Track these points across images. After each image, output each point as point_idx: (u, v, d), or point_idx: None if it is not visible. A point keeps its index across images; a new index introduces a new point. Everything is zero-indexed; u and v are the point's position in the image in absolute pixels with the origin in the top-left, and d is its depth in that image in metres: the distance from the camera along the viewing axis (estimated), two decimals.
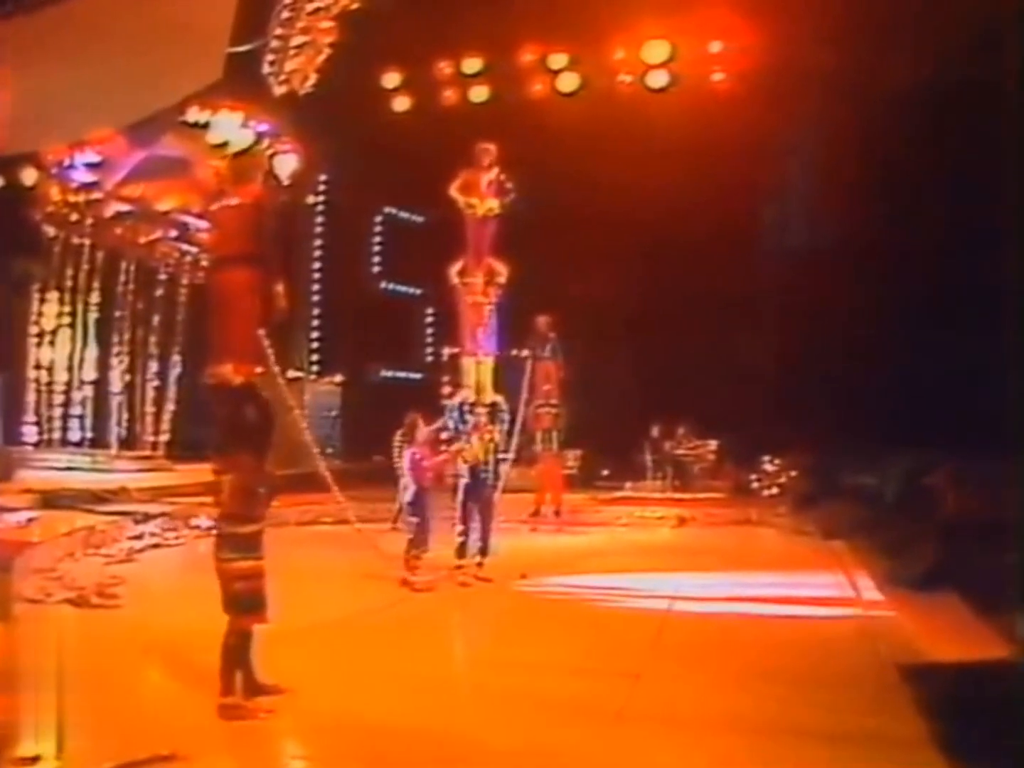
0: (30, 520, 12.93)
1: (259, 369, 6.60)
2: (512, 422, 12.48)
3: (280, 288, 6.86)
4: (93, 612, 9.39)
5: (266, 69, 19.34)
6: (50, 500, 14.36)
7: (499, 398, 12.10)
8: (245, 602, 6.56)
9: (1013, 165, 9.30)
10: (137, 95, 12.44)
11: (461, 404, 11.89)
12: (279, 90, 19.77)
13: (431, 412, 12.28)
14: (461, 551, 11.47)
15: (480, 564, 11.50)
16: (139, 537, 13.21)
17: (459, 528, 11.54)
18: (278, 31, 19.21)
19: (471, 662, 7.94)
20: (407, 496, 11.61)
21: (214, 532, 7.01)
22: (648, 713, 6.51)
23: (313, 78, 19.93)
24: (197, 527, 14.01)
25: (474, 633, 9.37)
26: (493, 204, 12.41)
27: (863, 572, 10.90)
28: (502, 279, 12.35)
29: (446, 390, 17.82)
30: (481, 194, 12.39)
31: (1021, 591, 6.84)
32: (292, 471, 19.40)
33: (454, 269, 12.33)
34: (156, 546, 13.20)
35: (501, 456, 12.25)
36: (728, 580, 11.21)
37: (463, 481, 11.68)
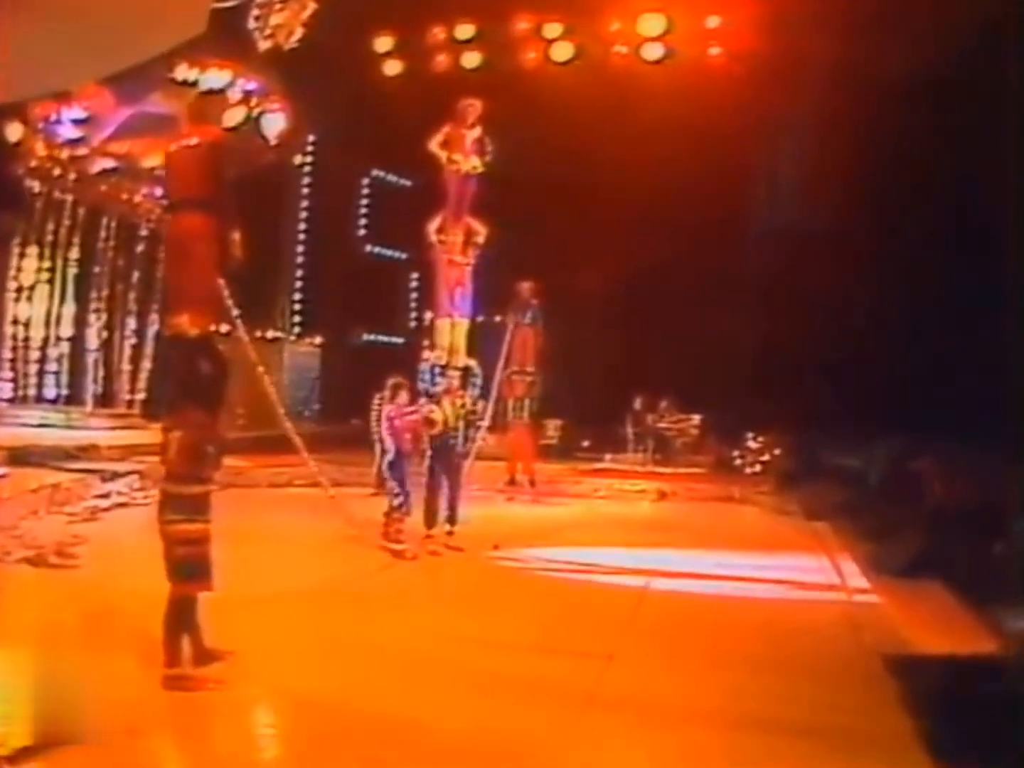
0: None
1: (223, 327, 6.35)
2: (485, 387, 12.16)
3: (236, 236, 6.59)
4: (50, 571, 9.11)
5: (251, 24, 19.04)
6: (19, 457, 14.13)
7: (472, 362, 11.80)
8: (189, 568, 6.24)
9: (1012, 153, 9.12)
10: (118, 47, 12.13)
11: (433, 366, 11.58)
12: (264, 45, 19.45)
13: (412, 377, 12.00)
14: (429, 519, 11.15)
15: (450, 533, 11.24)
16: (106, 496, 12.92)
17: (425, 495, 11.24)
18: None
19: (434, 636, 7.52)
20: (386, 460, 11.31)
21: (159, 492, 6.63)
22: (619, 699, 6.21)
23: (298, 33, 19.60)
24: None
25: (440, 606, 8.88)
26: (476, 162, 12.14)
27: (847, 556, 10.62)
28: (480, 239, 12.09)
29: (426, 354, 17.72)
30: (465, 151, 12.12)
31: (1015, 584, 6.64)
32: (266, 432, 19.36)
33: (432, 226, 12.03)
34: (123, 505, 12.86)
35: (476, 422, 12.04)
36: (709, 559, 10.90)
37: (430, 446, 11.35)
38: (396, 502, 10.89)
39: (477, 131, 12.19)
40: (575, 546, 11.65)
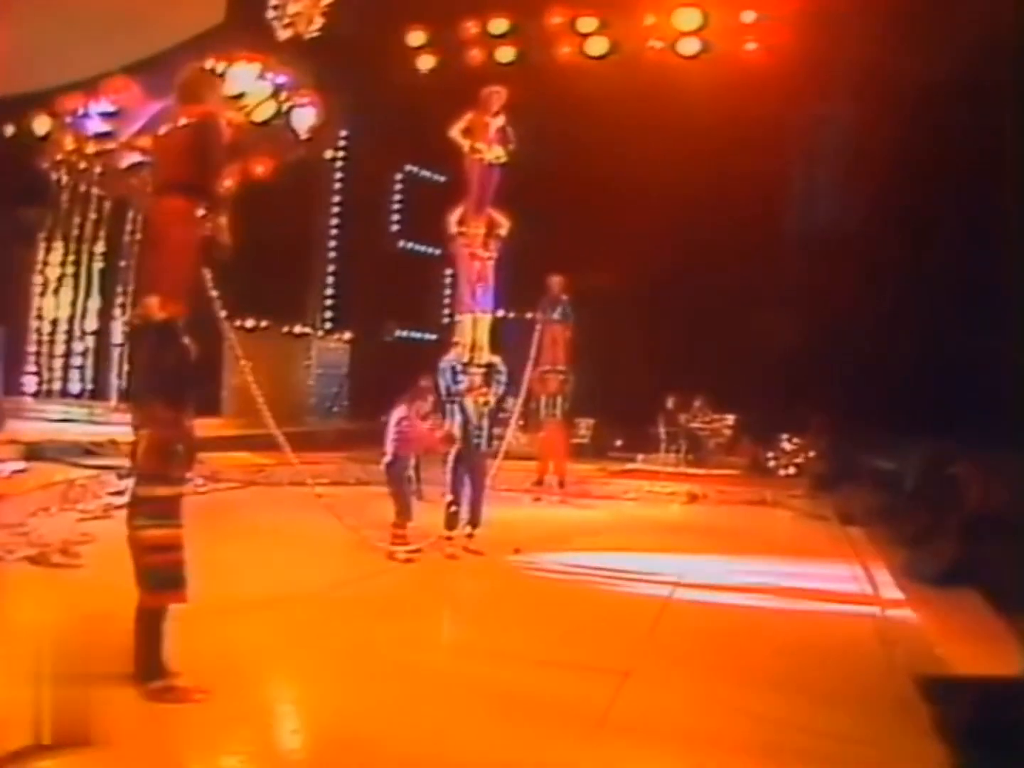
0: (17, 472, 12.63)
1: (214, 314, 6.08)
2: (509, 384, 11.82)
3: (223, 221, 6.20)
4: (51, 571, 8.85)
5: (270, 13, 18.90)
6: (36, 452, 14.04)
7: (496, 359, 11.43)
8: (158, 577, 5.85)
9: None
10: (135, 36, 12.05)
11: (454, 363, 11.24)
12: (284, 34, 19.32)
13: None
14: (451, 521, 10.81)
15: (470, 535, 10.88)
16: (121, 493, 12.57)
17: (448, 497, 10.92)
18: None
19: (442, 647, 7.28)
20: (384, 462, 11.01)
21: (129, 495, 6.27)
22: (632, 720, 5.82)
23: (318, 21, 19.43)
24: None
25: (452, 614, 8.68)
26: (500, 152, 11.74)
27: (881, 564, 10.20)
28: (503, 231, 11.67)
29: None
30: (488, 140, 11.71)
31: None
32: (289, 429, 19.19)
33: (453, 217, 11.67)
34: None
35: (505, 420, 11.74)
36: (737, 566, 10.52)
37: (454, 446, 11.04)
38: (397, 507, 10.66)
39: (501, 120, 11.77)
40: (599, 551, 11.26)
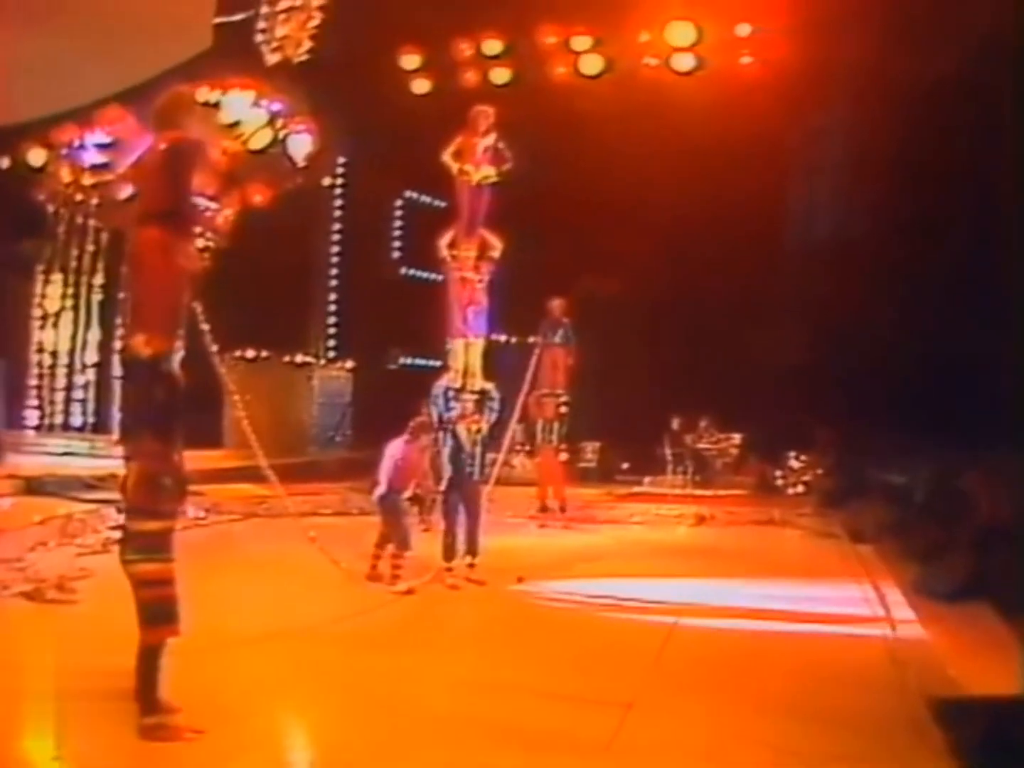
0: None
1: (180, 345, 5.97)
2: (502, 411, 11.62)
3: (192, 249, 6.15)
4: (46, 607, 8.74)
5: (258, 38, 18.84)
6: (35, 486, 13.96)
7: (489, 385, 11.23)
8: (151, 611, 5.79)
9: None
10: (121, 64, 11.96)
11: (446, 389, 11.04)
12: (272, 58, 19.25)
13: None
14: (448, 552, 10.60)
15: (471, 566, 10.68)
16: (120, 527, 12.52)
17: (444, 525, 10.79)
18: None
19: (441, 680, 7.04)
20: (376, 493, 10.88)
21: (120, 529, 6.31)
22: (634, 753, 5.66)
23: (306, 44, 19.36)
24: (184, 516, 13.50)
25: (452, 646, 8.38)
26: (489, 172, 11.57)
27: (892, 582, 9.97)
28: (495, 254, 11.50)
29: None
30: (476, 160, 11.56)
31: None
32: (291, 460, 19.08)
33: (443, 241, 11.52)
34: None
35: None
36: (743, 590, 10.33)
37: (446, 474, 10.87)
38: (382, 537, 10.59)
39: (491, 139, 11.62)
40: (603, 577, 11.07)
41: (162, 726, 5.62)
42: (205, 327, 6.15)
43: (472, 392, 10.98)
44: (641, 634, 8.64)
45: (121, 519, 11.87)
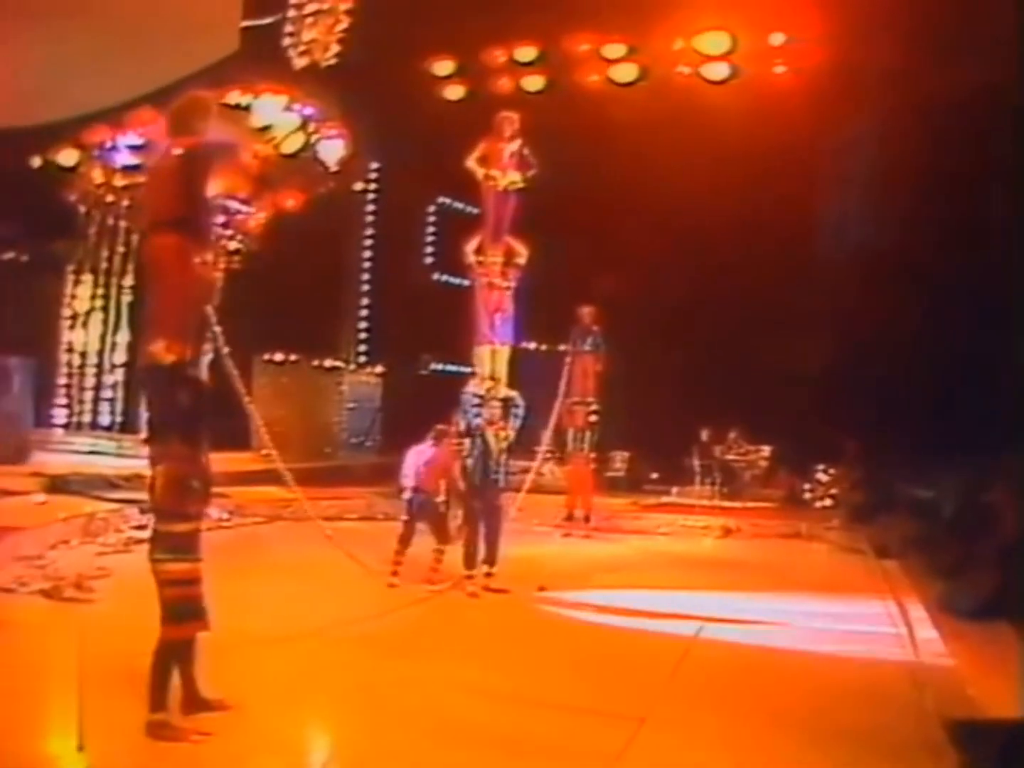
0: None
1: (207, 348, 6.00)
2: (526, 419, 11.50)
3: (210, 257, 6.13)
4: (63, 605, 8.77)
5: (285, 42, 18.91)
6: (59, 485, 14.01)
7: (514, 393, 11.15)
8: (178, 609, 5.88)
9: None
10: (149, 66, 12.03)
11: (474, 395, 10.97)
12: (300, 62, 19.29)
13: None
14: (469, 560, 10.53)
15: (489, 574, 10.59)
16: (142, 527, 12.50)
17: (466, 533, 10.72)
18: (294, 1, 18.74)
19: (452, 688, 6.99)
20: (404, 496, 10.94)
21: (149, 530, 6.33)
22: None
23: (334, 48, 19.40)
24: (208, 518, 13.52)
25: (465, 654, 8.27)
26: (515, 177, 11.52)
27: (916, 599, 9.82)
28: (522, 260, 11.44)
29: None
30: (502, 166, 11.51)
31: None
32: (319, 464, 19.09)
33: (470, 247, 11.47)
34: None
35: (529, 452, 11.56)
36: (765, 604, 10.24)
37: (472, 481, 10.77)
38: (438, 534, 10.66)
39: (516, 144, 11.59)
40: (625, 588, 10.98)
41: (167, 725, 5.68)
42: (217, 329, 6.12)
43: (498, 399, 10.92)
44: (660, 646, 8.57)
45: (144, 519, 12.11)
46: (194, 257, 5.93)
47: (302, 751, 5.90)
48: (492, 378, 11.06)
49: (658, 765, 5.71)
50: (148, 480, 6.11)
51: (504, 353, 11.26)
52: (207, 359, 6.12)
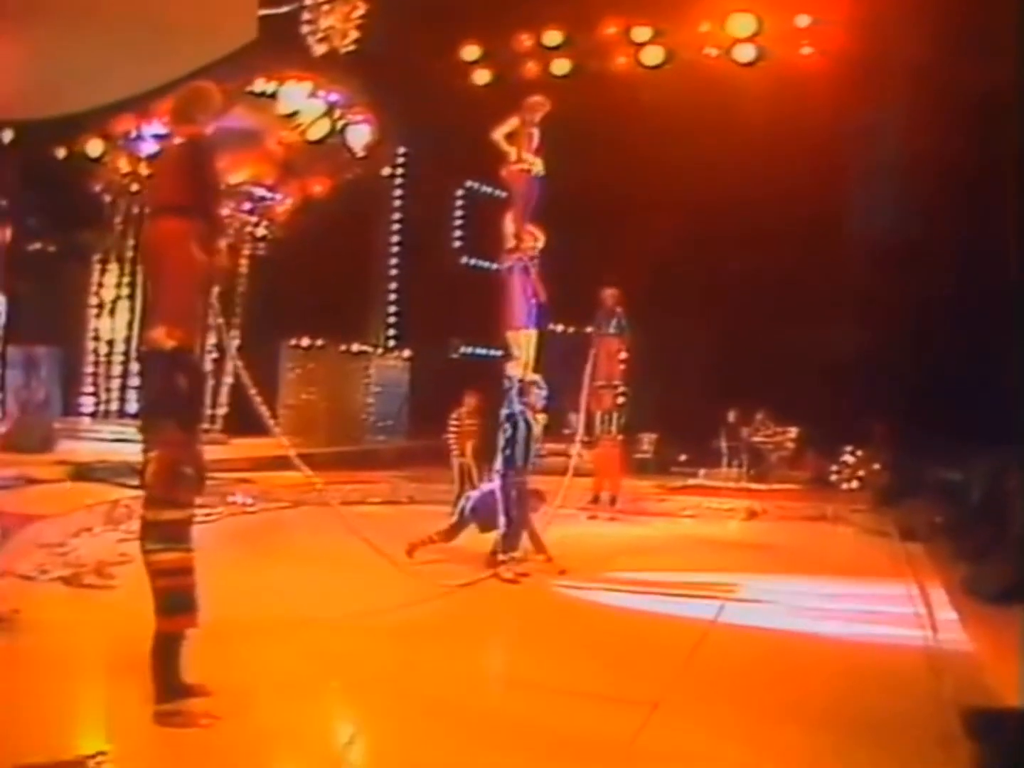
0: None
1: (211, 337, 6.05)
2: (549, 402, 11.45)
3: (222, 244, 6.23)
4: (82, 592, 8.85)
5: (304, 28, 18.95)
6: (83, 472, 14.08)
7: (537, 376, 11.14)
8: (169, 601, 5.82)
9: None
10: (169, 55, 12.08)
11: (519, 379, 10.92)
12: (319, 49, 19.33)
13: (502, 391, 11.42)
14: (511, 542, 10.54)
15: (515, 559, 10.52)
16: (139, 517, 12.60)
17: (503, 518, 10.59)
18: None
19: (466, 675, 6.98)
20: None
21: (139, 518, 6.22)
22: (656, 756, 5.55)
23: (352, 35, 19.43)
24: (233, 503, 13.60)
25: (482, 640, 8.35)
26: (540, 164, 11.56)
27: (939, 584, 9.72)
28: (540, 244, 11.45)
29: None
30: (533, 150, 11.53)
31: None
32: (346, 448, 19.16)
33: (510, 230, 11.38)
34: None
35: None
36: (787, 587, 10.13)
37: (514, 464, 10.67)
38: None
39: (537, 130, 11.60)
40: (647, 571, 10.93)
41: (177, 712, 5.66)
42: (219, 320, 6.17)
43: (530, 383, 10.91)
44: (677, 631, 8.49)
45: None
46: (195, 244, 5.94)
47: (319, 738, 5.85)
48: (528, 363, 11.05)
49: (669, 751, 5.63)
50: (140, 467, 6.06)
51: (535, 337, 11.25)
52: (234, 344, 6.15)
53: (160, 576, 5.83)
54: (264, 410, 7.27)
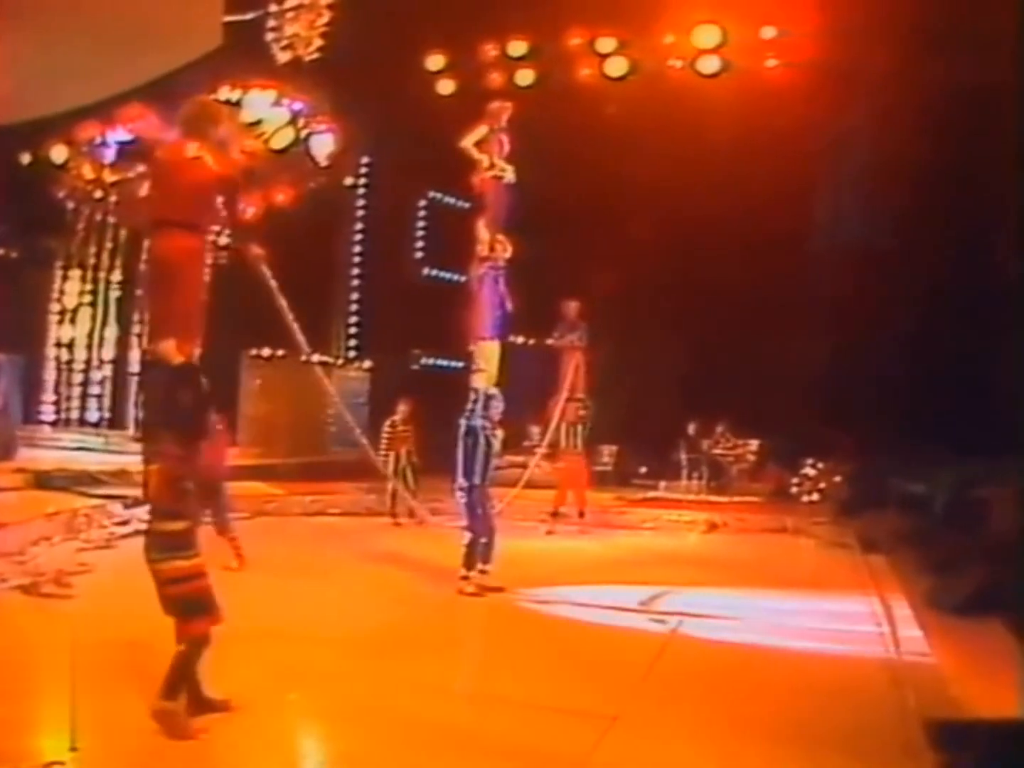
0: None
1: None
2: (506, 413, 11.30)
3: (259, 250, 6.61)
4: (40, 601, 8.73)
5: (268, 36, 18.90)
6: (44, 481, 13.94)
7: (495, 390, 10.91)
8: (185, 605, 5.82)
9: None
10: (135, 60, 12.00)
11: (486, 391, 10.71)
12: (283, 56, 19.26)
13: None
14: (469, 560, 10.34)
15: (484, 571, 10.37)
16: (125, 523, 12.44)
17: (469, 535, 10.40)
18: None
19: (424, 689, 6.91)
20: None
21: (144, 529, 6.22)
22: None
23: (316, 43, 19.39)
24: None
25: (440, 654, 8.10)
26: (511, 171, 11.44)
27: (901, 596, 9.72)
28: (508, 254, 11.33)
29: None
30: (504, 156, 11.41)
31: None
32: (306, 459, 19.04)
33: (484, 238, 11.20)
34: (143, 533, 12.29)
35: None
36: (746, 601, 10.15)
37: (473, 479, 10.47)
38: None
39: (507, 136, 11.49)
40: (605, 584, 10.92)
41: (177, 714, 5.67)
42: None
43: (490, 396, 10.75)
44: (636, 644, 8.47)
45: (126, 514, 12.05)
46: (205, 260, 5.94)
47: (281, 751, 5.79)
48: (492, 375, 10.90)
49: (628, 764, 5.63)
50: (142, 478, 6.06)
51: (499, 349, 11.10)
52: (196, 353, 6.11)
53: (168, 584, 5.83)
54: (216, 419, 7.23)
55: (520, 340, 18.71)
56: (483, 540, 10.49)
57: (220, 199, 6.23)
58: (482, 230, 11.22)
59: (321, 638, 8.12)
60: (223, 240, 6.83)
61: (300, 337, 7.43)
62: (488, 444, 10.58)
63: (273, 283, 6.76)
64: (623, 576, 11.54)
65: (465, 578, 10.31)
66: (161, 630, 5.85)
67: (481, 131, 11.38)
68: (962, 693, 6.48)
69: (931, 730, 5.77)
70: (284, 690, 6.64)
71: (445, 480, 12.11)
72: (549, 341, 16.50)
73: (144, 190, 18.43)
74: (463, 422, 10.76)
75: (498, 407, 10.77)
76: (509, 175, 11.37)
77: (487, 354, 11.01)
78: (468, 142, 11.35)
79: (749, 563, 12.88)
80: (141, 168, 18.33)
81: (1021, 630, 7.34)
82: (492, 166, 11.30)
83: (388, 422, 14.51)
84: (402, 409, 14.79)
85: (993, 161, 13.68)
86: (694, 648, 8.40)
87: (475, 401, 10.75)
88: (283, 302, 6.72)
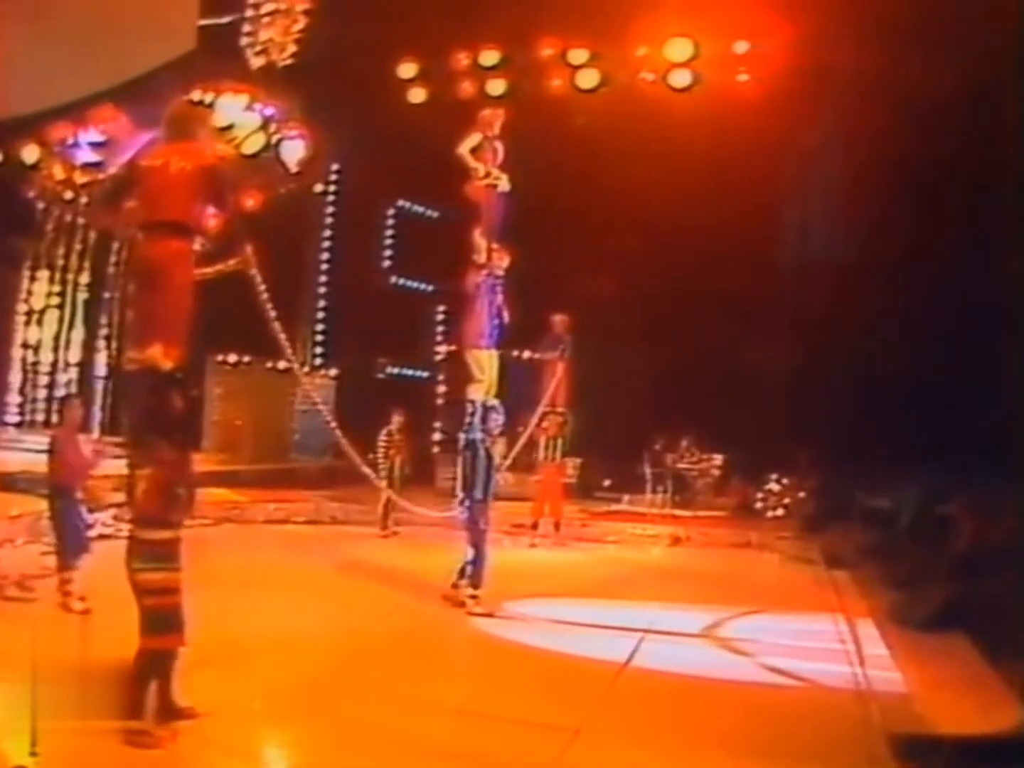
0: None
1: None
2: (505, 426, 11.19)
3: (250, 252, 6.61)
4: (3, 604, 8.78)
5: (243, 41, 18.86)
6: (7, 483, 13.85)
7: (496, 401, 10.74)
8: (157, 620, 5.76)
9: None
10: (109, 61, 11.95)
11: (485, 403, 10.54)
12: (256, 61, 19.22)
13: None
14: (464, 573, 10.23)
15: (475, 597, 10.09)
16: (90, 526, 12.32)
17: (471, 551, 10.22)
18: (251, 0, 18.68)
19: (388, 701, 6.86)
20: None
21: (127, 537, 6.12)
22: None
23: (291, 49, 19.34)
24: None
25: (406, 667, 8.03)
26: (506, 179, 11.36)
27: (865, 612, 9.77)
28: (506, 264, 11.25)
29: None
30: (498, 165, 11.32)
31: None
32: (271, 466, 18.97)
33: (481, 245, 11.08)
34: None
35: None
36: (709, 617, 10.03)
37: (474, 493, 10.31)
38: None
39: (500, 143, 11.42)
40: (567, 598, 10.89)
41: (145, 732, 5.60)
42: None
43: (490, 408, 10.61)
44: (598, 659, 8.40)
45: (91, 518, 11.89)
46: (193, 263, 5.91)
47: (244, 759, 5.80)
48: (491, 386, 10.74)
49: None
50: (126, 485, 5.99)
51: (496, 358, 10.96)
52: None
53: (146, 595, 5.77)
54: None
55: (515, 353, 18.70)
56: (477, 561, 10.25)
57: (212, 194, 6.21)
58: (477, 238, 11.10)
59: (294, 647, 8.10)
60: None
61: (285, 342, 7.28)
62: (489, 457, 10.45)
63: (262, 284, 6.62)
64: (583, 590, 11.54)
65: (472, 596, 10.12)
66: (125, 635, 5.80)
67: (475, 138, 11.32)
68: (926, 709, 6.50)
69: (896, 745, 5.80)
70: (250, 699, 6.60)
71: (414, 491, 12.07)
72: (533, 354, 16.49)
73: (123, 197, 18.54)
74: (461, 435, 10.68)
75: (498, 419, 10.63)
76: (504, 184, 11.30)
77: (484, 363, 10.81)
78: (464, 149, 11.26)
79: (711, 578, 12.83)
80: (112, 170, 18.28)
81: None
82: (487, 175, 11.23)
83: (384, 431, 14.51)
84: (397, 420, 14.77)
85: (968, 171, 13.81)
86: (656, 663, 8.34)
87: (472, 413, 10.59)
88: (270, 305, 6.60)
